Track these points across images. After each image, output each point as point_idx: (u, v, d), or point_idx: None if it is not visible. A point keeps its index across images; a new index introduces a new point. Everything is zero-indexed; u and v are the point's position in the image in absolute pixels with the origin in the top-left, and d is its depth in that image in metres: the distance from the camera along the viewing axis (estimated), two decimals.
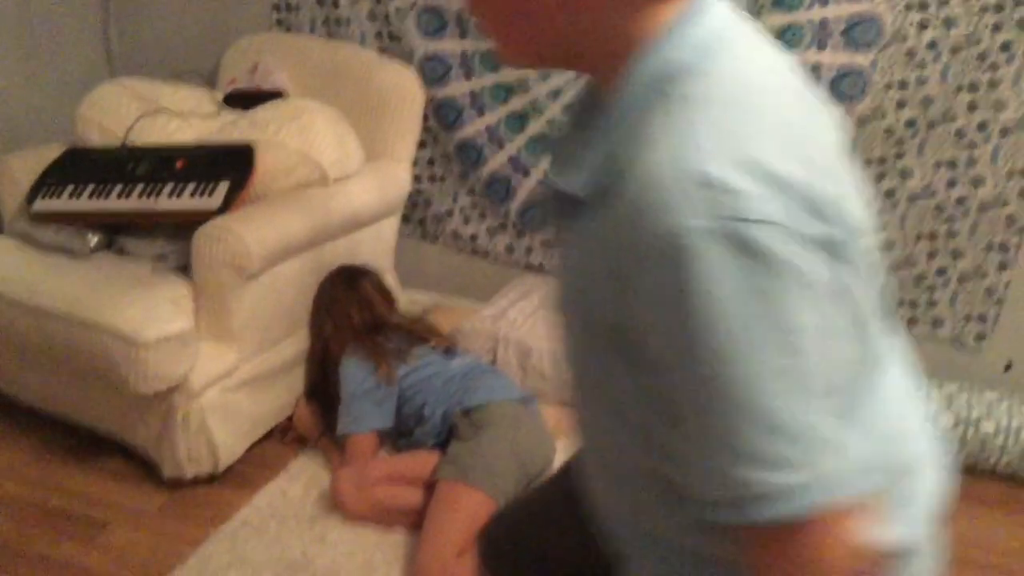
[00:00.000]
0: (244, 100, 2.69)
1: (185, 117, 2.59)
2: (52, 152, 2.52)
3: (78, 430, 2.39)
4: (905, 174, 2.46)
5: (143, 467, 2.30)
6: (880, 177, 2.48)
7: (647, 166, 0.69)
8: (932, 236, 2.49)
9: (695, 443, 0.72)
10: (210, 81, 2.93)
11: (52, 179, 2.40)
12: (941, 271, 2.52)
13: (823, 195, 0.70)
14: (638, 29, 0.74)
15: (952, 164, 2.42)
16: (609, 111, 0.75)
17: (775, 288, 0.67)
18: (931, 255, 2.51)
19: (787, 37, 2.44)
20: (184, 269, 2.28)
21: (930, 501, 0.88)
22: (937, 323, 2.57)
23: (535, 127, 2.78)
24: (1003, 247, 2.45)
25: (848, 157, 0.84)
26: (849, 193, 0.76)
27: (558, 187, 0.81)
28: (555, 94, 2.72)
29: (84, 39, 3.17)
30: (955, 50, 2.31)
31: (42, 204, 2.36)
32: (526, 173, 2.83)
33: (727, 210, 0.66)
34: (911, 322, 2.60)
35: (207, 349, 2.21)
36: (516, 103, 2.77)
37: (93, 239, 2.36)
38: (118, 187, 2.33)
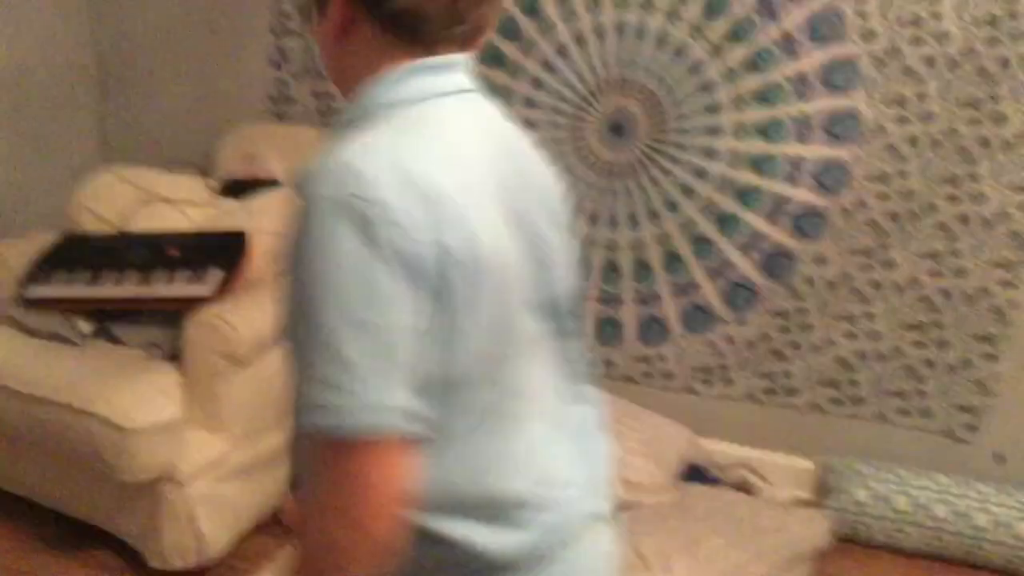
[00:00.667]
0: (239, 189, 2.73)
1: (180, 205, 2.62)
2: (45, 239, 2.54)
3: (65, 519, 2.36)
4: (890, 265, 2.50)
5: (130, 558, 2.26)
6: (865, 268, 2.52)
7: (325, 155, 0.91)
8: (919, 327, 2.52)
9: (296, 362, 0.90)
10: (205, 170, 2.97)
11: (46, 265, 2.41)
12: (929, 362, 2.54)
13: (452, 217, 0.89)
14: (369, 78, 1.00)
15: (935, 255, 2.46)
16: (337, 124, 1.02)
17: (341, 247, 0.85)
18: (918, 345, 2.54)
19: (769, 131, 2.51)
20: (175, 357, 2.28)
21: (540, 544, 1.01)
22: (927, 414, 2.59)
23: None
24: (990, 338, 2.48)
25: (555, 216, 1.07)
26: (494, 233, 0.94)
27: None
28: None
29: (79, 127, 3.22)
30: (935, 144, 2.38)
31: (36, 291, 2.36)
32: None
33: (341, 185, 0.86)
34: (901, 413, 2.61)
35: (196, 437, 2.19)
36: None
37: (86, 326, 2.37)
38: (112, 274, 2.34)
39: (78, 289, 2.34)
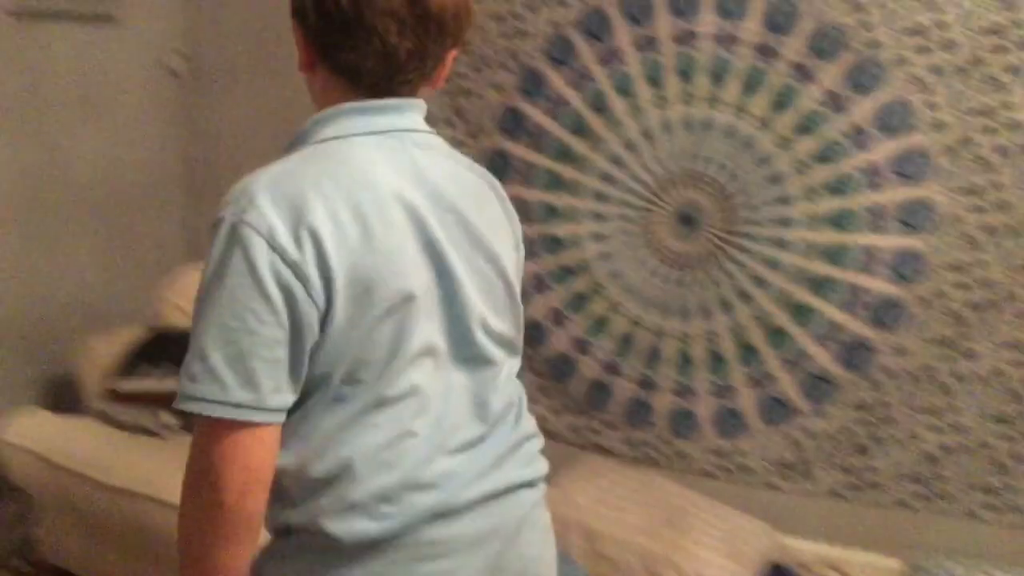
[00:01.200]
0: None
1: None
2: (132, 333, 2.64)
3: None
4: (972, 356, 2.43)
5: None
6: (947, 359, 2.45)
7: (243, 180, 1.09)
8: (1005, 419, 2.43)
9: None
10: None
11: (134, 360, 2.50)
12: (1018, 456, 2.44)
13: (334, 241, 1.04)
14: (316, 111, 1.18)
15: (1019, 345, 2.39)
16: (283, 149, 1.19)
17: (230, 266, 1.02)
18: (1006, 438, 2.44)
19: (842, 222, 2.49)
20: None
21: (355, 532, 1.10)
22: (1017, 510, 2.47)
23: (597, 308, 2.83)
24: None
25: (482, 249, 1.20)
26: (384, 255, 1.08)
27: None
28: (616, 275, 2.79)
29: (167, 225, 3.36)
30: (1013, 233, 2.33)
31: (124, 384, 2.45)
32: (589, 353, 2.86)
33: (239, 211, 1.04)
34: (991, 508, 2.50)
35: None
36: (578, 284, 2.84)
37: (171, 420, 2.43)
38: None
39: (164, 383, 2.42)
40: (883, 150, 2.44)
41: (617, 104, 2.69)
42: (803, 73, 2.48)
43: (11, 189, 2.68)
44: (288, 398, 1.06)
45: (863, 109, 2.44)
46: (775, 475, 2.71)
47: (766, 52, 2.50)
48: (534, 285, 2.90)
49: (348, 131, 1.14)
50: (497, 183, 1.32)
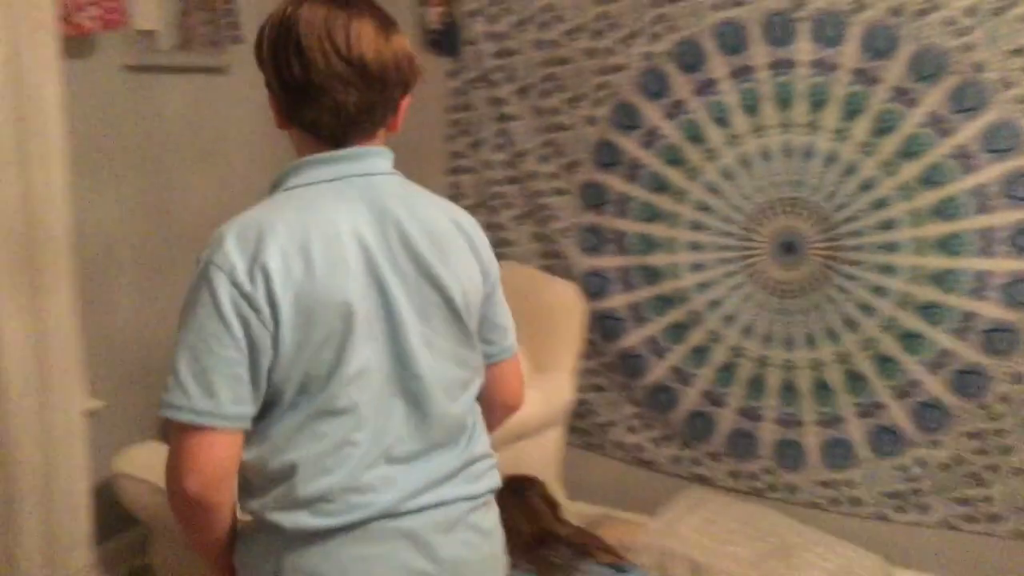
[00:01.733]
0: None
1: None
2: None
3: None
4: None
5: None
6: None
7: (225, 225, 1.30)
8: None
9: None
10: None
11: None
12: None
13: (284, 276, 1.22)
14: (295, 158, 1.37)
15: None
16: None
17: (200, 299, 1.23)
18: None
19: (951, 246, 2.44)
20: None
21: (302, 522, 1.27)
22: None
23: (696, 337, 2.82)
24: None
25: (432, 278, 1.33)
26: (332, 285, 1.25)
27: None
28: (715, 304, 2.77)
29: None
30: None
31: None
32: (689, 383, 2.85)
33: (210, 253, 1.24)
34: None
35: None
36: (676, 314, 2.84)
37: None
38: None
39: None
40: (991, 172, 2.39)
41: (713, 134, 2.70)
42: (905, 97, 2.45)
43: (127, 232, 2.81)
44: (247, 408, 1.24)
45: (968, 132, 2.40)
46: (886, 506, 2.64)
47: (866, 77, 2.48)
48: (631, 316, 2.90)
49: (309, 180, 1.33)
50: (467, 221, 1.43)
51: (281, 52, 1.31)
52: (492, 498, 1.45)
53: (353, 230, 1.28)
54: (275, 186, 1.36)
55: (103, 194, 2.68)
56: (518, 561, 2.31)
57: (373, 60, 1.31)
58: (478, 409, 1.45)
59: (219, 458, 1.24)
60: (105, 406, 2.70)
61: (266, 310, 1.22)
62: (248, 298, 1.21)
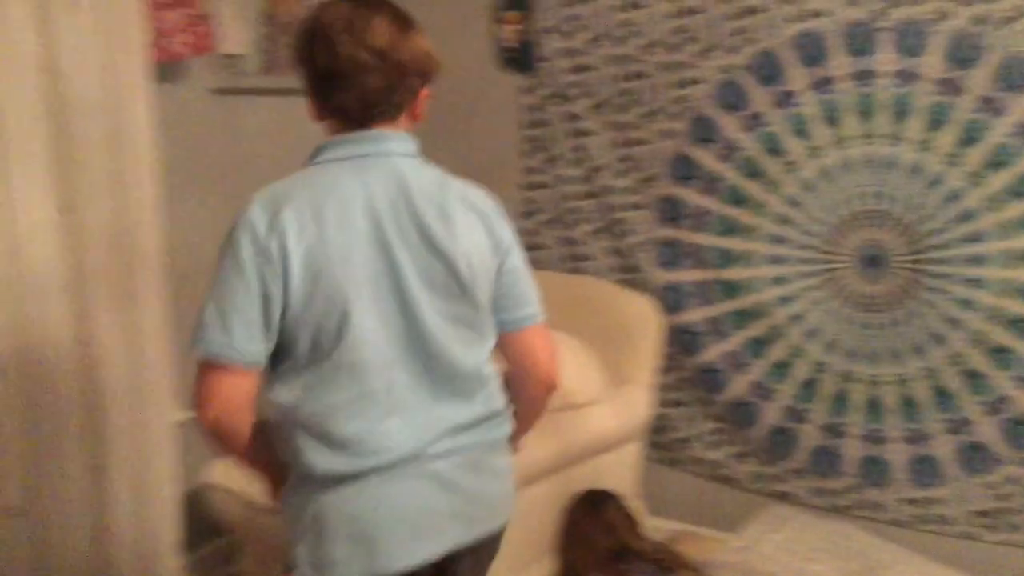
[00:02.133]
0: None
1: None
2: None
3: None
4: None
5: None
6: None
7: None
8: None
9: None
10: None
11: None
12: None
13: (279, 243, 1.41)
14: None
15: None
16: None
17: (226, 254, 1.44)
18: None
19: None
20: None
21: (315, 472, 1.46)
22: None
23: (777, 352, 2.78)
24: None
25: (433, 245, 1.49)
26: (339, 243, 1.43)
27: None
28: (796, 318, 2.74)
29: None
30: None
31: None
32: (770, 398, 2.81)
33: (238, 216, 1.45)
34: None
35: None
36: (756, 328, 2.81)
37: None
38: None
39: None
40: None
41: (793, 146, 2.67)
42: (991, 106, 2.39)
43: (214, 248, 2.90)
44: (260, 347, 1.43)
45: None
46: (976, 525, 2.57)
47: (950, 87, 2.43)
48: (710, 330, 2.88)
49: (332, 157, 1.52)
50: (479, 199, 1.60)
51: (310, 46, 1.51)
52: (507, 443, 1.64)
53: (365, 201, 1.46)
54: (308, 160, 1.55)
55: (190, 211, 2.77)
56: (595, 575, 2.31)
57: (390, 49, 1.49)
58: (494, 371, 1.61)
59: (232, 391, 1.43)
60: (195, 417, 2.78)
61: (279, 263, 1.41)
62: (265, 252, 1.41)
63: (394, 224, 1.47)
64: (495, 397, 1.59)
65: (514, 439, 1.69)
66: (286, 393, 1.47)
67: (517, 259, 1.64)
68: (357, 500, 1.46)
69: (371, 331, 1.45)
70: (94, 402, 2.42)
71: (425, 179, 1.53)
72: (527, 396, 1.67)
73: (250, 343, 1.41)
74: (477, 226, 1.54)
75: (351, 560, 1.46)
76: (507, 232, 1.62)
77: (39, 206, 2.27)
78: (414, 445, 1.47)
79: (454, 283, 1.50)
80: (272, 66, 3.02)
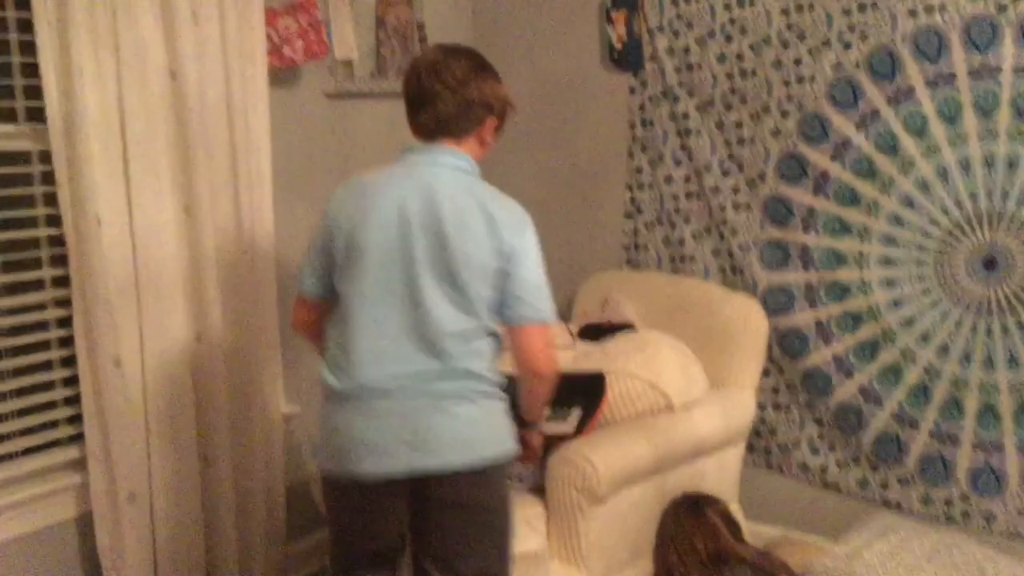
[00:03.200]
0: (595, 332, 2.88)
1: None
2: None
3: None
4: None
5: None
6: None
7: None
8: None
9: None
10: (565, 315, 3.18)
11: None
12: None
13: (336, 215, 1.92)
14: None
15: None
16: None
17: (319, 224, 1.99)
18: None
19: None
20: (539, 490, 2.42)
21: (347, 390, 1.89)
22: None
23: (887, 356, 2.70)
24: None
25: (444, 237, 1.84)
26: (370, 224, 1.86)
27: None
28: (908, 321, 2.65)
29: None
30: None
31: None
32: (879, 403, 2.73)
33: (330, 197, 2.01)
34: None
35: (558, 570, 2.28)
36: (865, 332, 2.73)
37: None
38: None
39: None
40: None
41: (909, 144, 2.59)
42: None
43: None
44: (316, 288, 1.98)
45: None
46: None
47: None
48: (817, 333, 2.82)
49: (402, 159, 1.94)
50: (499, 209, 1.88)
51: (407, 79, 1.95)
52: (477, 396, 1.88)
53: (399, 197, 1.86)
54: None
55: (302, 212, 2.88)
56: None
57: (462, 85, 1.88)
58: (485, 349, 1.90)
59: (300, 313, 2.05)
60: (300, 411, 2.89)
61: (332, 231, 1.91)
62: (330, 222, 1.92)
63: (419, 219, 1.84)
64: (475, 362, 1.87)
65: (526, 417, 2.08)
66: (330, 326, 1.95)
67: (523, 267, 1.89)
68: (336, 415, 1.90)
69: (386, 293, 1.85)
70: (206, 395, 2.53)
71: (458, 187, 1.87)
72: (525, 382, 1.98)
73: (310, 280, 1.98)
74: (484, 230, 1.84)
75: (329, 459, 1.91)
76: (519, 240, 1.88)
77: (164, 207, 2.39)
78: (380, 377, 1.84)
79: (452, 271, 1.83)
80: (382, 70, 3.11)
